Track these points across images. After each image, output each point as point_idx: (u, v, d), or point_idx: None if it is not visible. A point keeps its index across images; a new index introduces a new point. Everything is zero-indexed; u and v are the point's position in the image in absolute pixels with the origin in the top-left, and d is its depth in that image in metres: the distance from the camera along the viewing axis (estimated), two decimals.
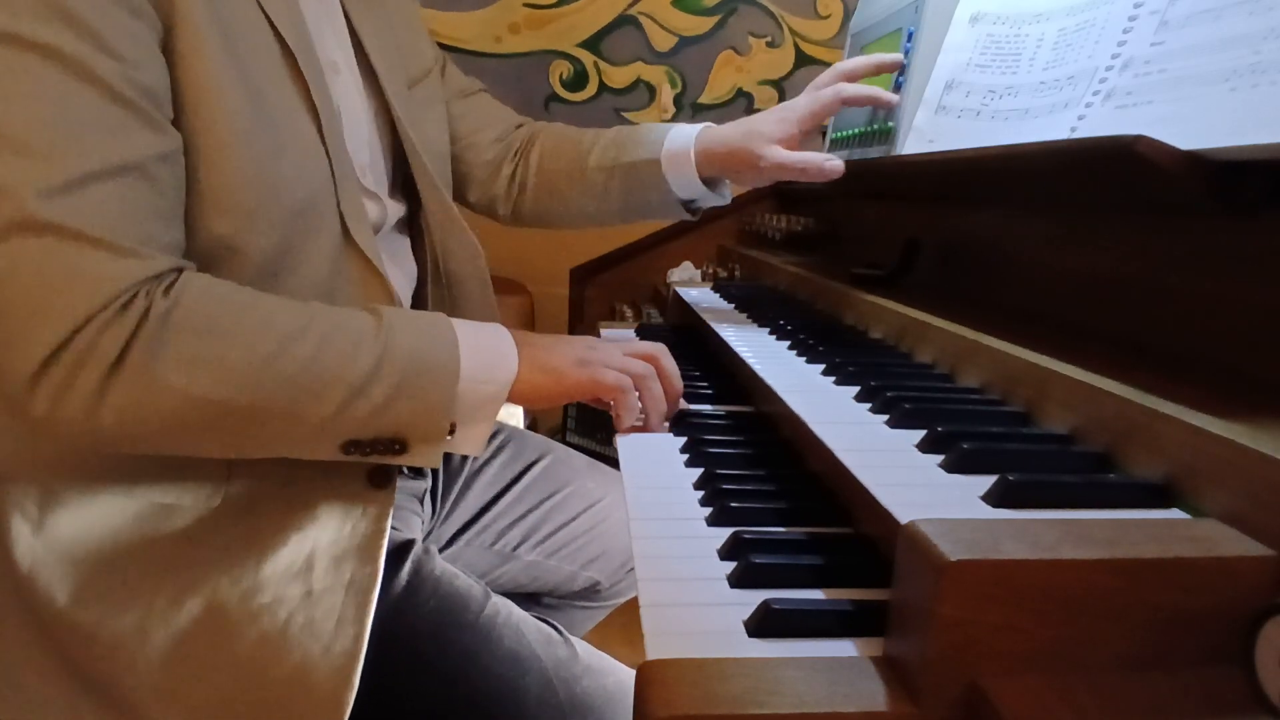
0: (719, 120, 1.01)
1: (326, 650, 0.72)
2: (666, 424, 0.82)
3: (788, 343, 0.93)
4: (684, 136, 1.01)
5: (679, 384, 0.83)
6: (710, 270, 1.73)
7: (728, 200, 1.08)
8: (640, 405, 0.80)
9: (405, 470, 0.93)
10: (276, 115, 0.73)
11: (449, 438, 0.72)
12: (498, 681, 0.77)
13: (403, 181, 0.94)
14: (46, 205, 0.59)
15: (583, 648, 0.84)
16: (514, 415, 1.21)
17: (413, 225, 0.96)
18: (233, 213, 0.69)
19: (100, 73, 0.62)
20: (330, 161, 0.77)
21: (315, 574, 0.74)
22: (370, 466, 0.77)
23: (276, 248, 0.73)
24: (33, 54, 0.60)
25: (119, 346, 0.61)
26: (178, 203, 0.68)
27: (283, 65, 0.75)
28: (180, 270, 0.65)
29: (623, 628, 0.90)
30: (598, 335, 1.10)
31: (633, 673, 0.85)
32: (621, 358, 0.80)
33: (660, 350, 0.82)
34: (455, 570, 0.84)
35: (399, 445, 0.70)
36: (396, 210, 0.92)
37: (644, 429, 0.81)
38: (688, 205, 1.05)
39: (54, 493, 0.72)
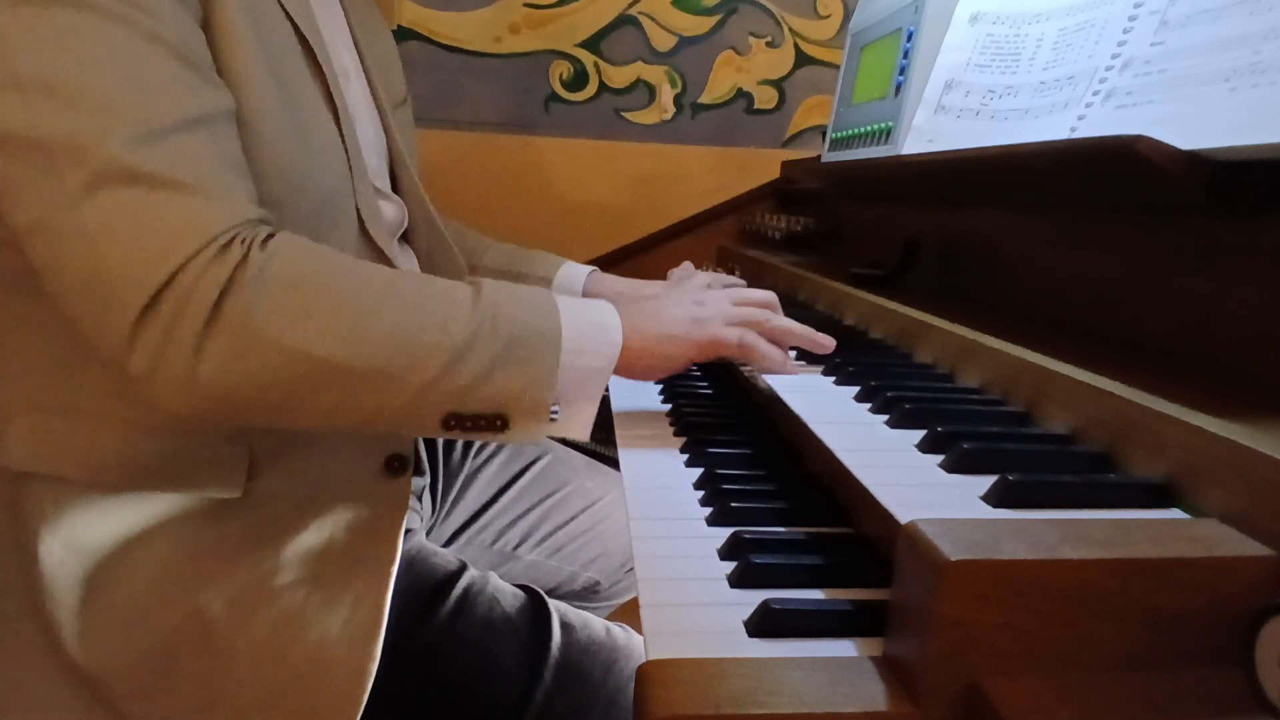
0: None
1: (346, 623, 0.72)
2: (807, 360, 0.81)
3: None
4: (575, 271, 1.13)
5: (799, 329, 0.79)
6: (710, 270, 1.72)
7: None
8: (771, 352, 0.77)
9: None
10: (302, 109, 0.74)
11: (554, 420, 0.69)
12: (474, 650, 0.78)
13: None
14: (134, 154, 0.59)
15: (559, 607, 0.84)
16: None
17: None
18: (264, 205, 0.69)
19: (163, 34, 0.62)
20: (348, 158, 0.78)
21: (333, 554, 0.74)
22: (386, 456, 0.78)
23: None
24: (96, 14, 0.60)
25: (216, 290, 0.59)
26: (244, 160, 0.67)
27: (304, 63, 0.76)
28: (270, 226, 0.65)
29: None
30: None
31: (608, 624, 0.86)
32: (734, 308, 0.77)
33: (772, 298, 0.81)
34: (433, 547, 0.85)
35: (501, 421, 0.67)
36: (403, 216, 0.93)
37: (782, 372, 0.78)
38: None
39: (79, 491, 0.71)
